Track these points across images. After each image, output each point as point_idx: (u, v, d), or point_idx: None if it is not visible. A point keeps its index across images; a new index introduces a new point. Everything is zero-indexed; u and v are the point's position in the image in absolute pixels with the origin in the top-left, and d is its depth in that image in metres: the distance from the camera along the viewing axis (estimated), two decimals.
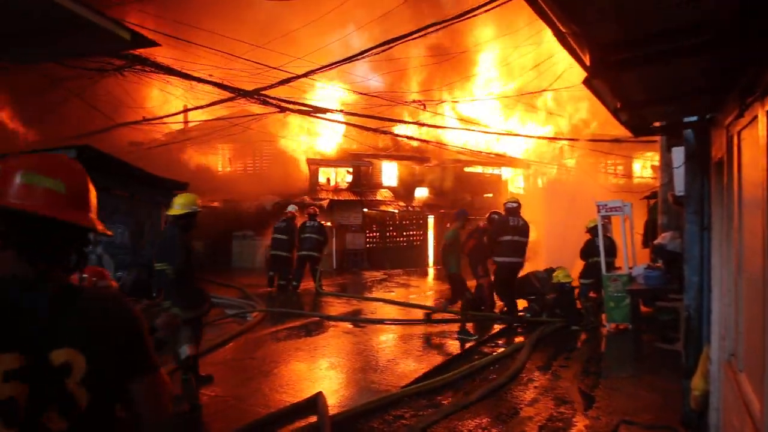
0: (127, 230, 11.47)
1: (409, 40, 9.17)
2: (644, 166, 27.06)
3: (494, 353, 7.65)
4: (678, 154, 5.18)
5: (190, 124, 21.46)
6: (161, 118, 16.97)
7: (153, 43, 4.05)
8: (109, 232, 1.67)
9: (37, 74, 14.87)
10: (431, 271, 19.45)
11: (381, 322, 9.68)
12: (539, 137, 22.51)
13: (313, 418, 4.88)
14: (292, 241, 12.98)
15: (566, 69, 15.08)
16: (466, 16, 7.43)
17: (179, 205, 6.08)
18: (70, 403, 1.31)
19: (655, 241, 9.93)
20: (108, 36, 3.51)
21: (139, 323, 1.50)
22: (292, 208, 13.75)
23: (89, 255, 9.77)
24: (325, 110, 12.76)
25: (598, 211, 9.82)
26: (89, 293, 1.50)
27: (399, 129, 18.56)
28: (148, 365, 1.50)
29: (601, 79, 2.66)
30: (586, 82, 2.78)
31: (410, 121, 15.54)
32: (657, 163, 13.79)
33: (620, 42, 2.16)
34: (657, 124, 5.09)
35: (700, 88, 3.09)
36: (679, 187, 5.39)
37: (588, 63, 2.20)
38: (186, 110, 17.32)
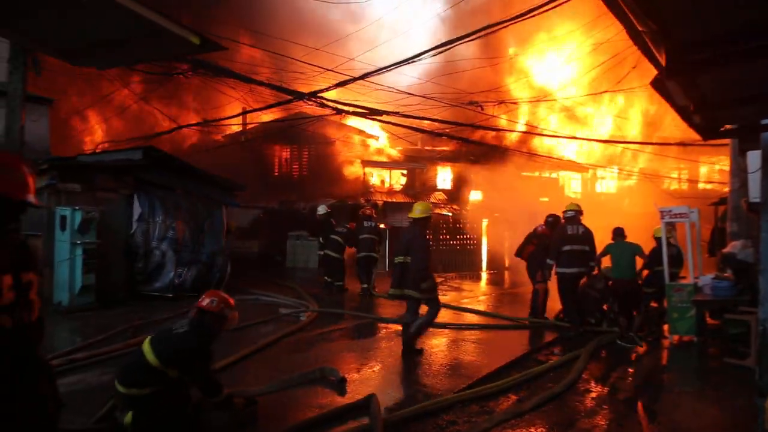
0: (188, 228, 11.85)
1: (466, 41, 9.12)
2: (711, 171, 25.89)
3: (549, 361, 7.45)
4: (754, 158, 4.89)
5: (249, 126, 22.03)
6: (221, 120, 17.52)
7: (220, 47, 4.18)
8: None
9: (107, 78, 15.65)
10: (484, 276, 19.21)
11: (444, 326, 9.56)
12: (600, 140, 21.86)
13: (366, 420, 4.89)
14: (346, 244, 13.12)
15: (629, 71, 14.61)
16: (527, 16, 7.29)
17: (419, 210, 7.59)
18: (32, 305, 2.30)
19: (724, 250, 9.45)
20: (179, 41, 3.65)
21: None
22: (322, 209, 14.03)
23: (154, 251, 10.21)
24: (381, 112, 12.81)
25: (662, 217, 9.42)
26: (30, 242, 2.54)
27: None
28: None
29: (675, 80, 2.53)
30: (657, 83, 2.66)
31: (466, 123, 15.39)
32: (727, 168, 13.13)
33: (699, 41, 2.05)
34: (729, 127, 4.84)
35: None
36: (754, 193, 5.10)
37: (663, 63, 2.10)
38: (245, 112, 17.77)
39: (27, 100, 12.04)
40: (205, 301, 4.72)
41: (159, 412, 4.38)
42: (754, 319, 6.72)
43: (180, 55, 6.81)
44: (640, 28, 1.75)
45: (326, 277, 13.36)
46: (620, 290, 9.05)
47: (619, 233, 9.56)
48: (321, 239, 13.84)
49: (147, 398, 4.37)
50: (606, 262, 9.98)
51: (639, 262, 9.34)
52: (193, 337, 4.54)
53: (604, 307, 9.63)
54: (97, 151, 15.53)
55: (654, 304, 10.02)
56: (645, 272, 9.74)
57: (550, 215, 10.44)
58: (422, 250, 7.29)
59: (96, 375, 6.16)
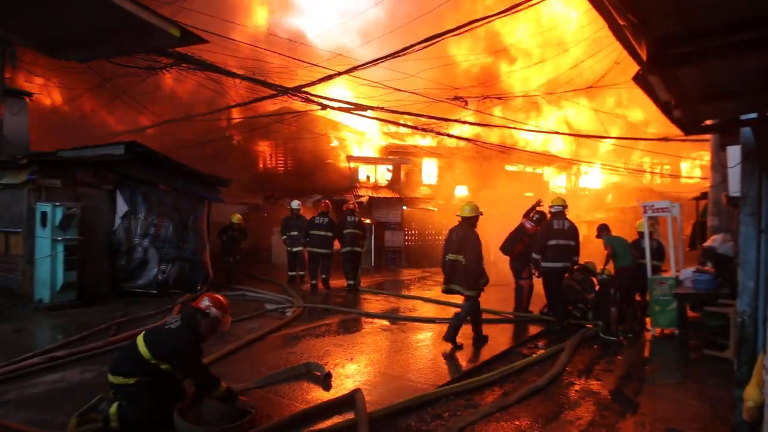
0: (172, 224, 11.73)
1: (451, 36, 9.12)
2: (693, 167, 26.23)
3: (534, 355, 7.51)
4: (733, 153, 4.96)
5: (234, 122, 21.86)
6: (204, 114, 17.34)
7: (201, 40, 4.12)
8: None
9: (91, 72, 15.41)
10: None
11: (432, 321, 9.67)
12: (584, 136, 22.03)
13: (351, 415, 4.89)
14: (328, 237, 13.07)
15: (611, 67, 14.72)
16: (510, 11, 7.31)
17: (468, 209, 8.06)
18: None
19: (705, 244, 9.58)
20: (159, 34, 3.60)
21: None
22: (295, 204, 14.27)
23: (137, 247, 10.12)
24: (365, 107, 12.77)
25: (644, 212, 9.52)
26: None
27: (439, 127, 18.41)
28: None
29: (656, 75, 2.55)
30: (639, 78, 2.68)
31: (451, 119, 15.42)
32: (708, 164, 13.30)
33: (680, 35, 2.06)
34: (710, 122, 4.89)
35: (763, 84, 2.93)
36: (734, 187, 5.17)
37: (644, 58, 2.11)
38: (229, 107, 17.62)
39: (5, 93, 11.89)
40: (203, 303, 4.77)
41: (141, 402, 4.41)
42: (733, 311, 6.82)
43: (161, 48, 6.72)
44: (621, 23, 1.76)
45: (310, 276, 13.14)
46: (627, 277, 9.12)
47: (605, 228, 9.69)
48: (287, 234, 14.10)
49: (131, 388, 4.44)
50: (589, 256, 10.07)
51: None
52: (185, 334, 4.62)
53: (588, 297, 9.72)
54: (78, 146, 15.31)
55: (638, 298, 10.13)
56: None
57: (537, 212, 10.50)
58: (476, 249, 7.71)
59: (77, 373, 6.08)
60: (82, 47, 4.09)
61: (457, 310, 8.21)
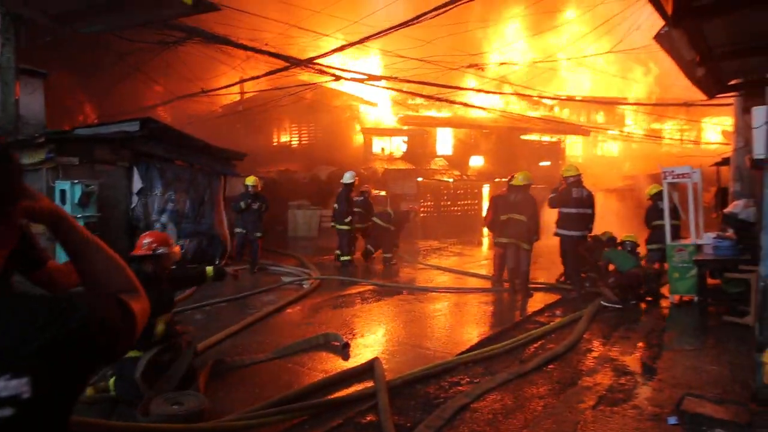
0: (189, 199, 11.81)
1: (463, 3, 8.91)
2: (714, 134, 25.69)
3: (552, 323, 7.51)
4: (759, 113, 4.81)
5: (246, 95, 21.77)
6: (218, 89, 17.29)
7: (214, 7, 4.07)
8: None
9: (101, 49, 15.40)
10: (486, 241, 19.25)
11: (447, 290, 9.79)
12: (600, 101, 21.61)
13: (370, 383, 4.95)
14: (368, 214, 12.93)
15: (630, 30, 14.35)
16: None
17: (521, 178, 9.29)
18: None
19: (726, 210, 9.41)
20: (170, 3, 3.55)
21: None
22: (350, 177, 12.59)
23: (154, 224, 10.20)
24: (379, 77, 12.62)
25: (664, 178, 9.35)
26: None
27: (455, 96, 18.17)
28: None
29: (681, 29, 2.46)
30: (662, 35, 2.59)
31: (466, 87, 15.20)
32: (730, 128, 12.98)
33: None
34: (734, 81, 4.75)
35: None
36: (759, 149, 5.02)
37: (670, 11, 2.03)
38: (242, 81, 17.54)
39: (21, 72, 11.93)
40: (137, 249, 4.78)
41: (126, 377, 4.41)
42: (754, 277, 6.73)
43: (173, 17, 6.66)
44: None
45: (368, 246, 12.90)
46: (626, 279, 8.97)
47: (611, 241, 9.93)
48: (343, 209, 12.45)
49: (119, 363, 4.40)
50: None
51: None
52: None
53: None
54: (92, 124, 15.40)
55: (656, 266, 10.01)
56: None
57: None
58: (534, 212, 9.15)
59: None
60: (93, 19, 4.06)
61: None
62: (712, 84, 4.12)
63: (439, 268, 12.32)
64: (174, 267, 5.05)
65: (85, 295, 1.32)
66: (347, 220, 12.12)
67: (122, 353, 1.30)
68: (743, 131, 8.41)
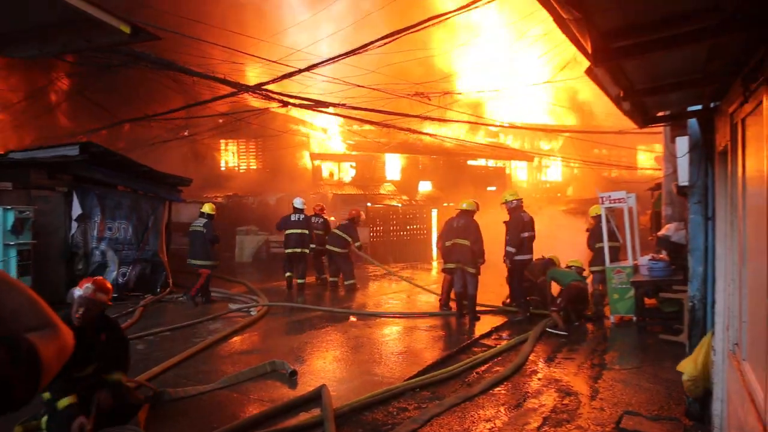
0: (131, 226, 11.48)
1: (410, 32, 9.14)
2: (649, 158, 26.99)
3: (498, 346, 7.64)
4: (682, 143, 5.15)
5: (192, 120, 21.42)
6: (163, 114, 16.95)
7: (154, 37, 4.03)
8: None
9: (39, 71, 14.91)
10: (435, 265, 19.45)
11: (402, 315, 9.91)
12: (541, 129, 22.43)
13: (317, 411, 4.90)
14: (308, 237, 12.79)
15: (569, 60, 15.01)
16: (469, 8, 7.39)
17: (466, 204, 9.62)
18: None
19: (659, 233, 9.89)
20: (108, 30, 3.50)
21: None
22: (299, 203, 12.80)
23: (94, 251, 9.67)
24: (327, 104, 12.72)
25: (601, 203, 9.78)
26: None
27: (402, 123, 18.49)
28: None
29: (603, 68, 2.64)
30: (589, 71, 2.76)
31: (413, 114, 15.48)
32: (660, 154, 13.73)
33: (622, 29, 2.14)
34: (660, 114, 5.06)
35: (704, 76, 3.06)
36: (683, 177, 5.36)
37: (590, 50, 2.18)
38: (187, 106, 17.27)
39: None
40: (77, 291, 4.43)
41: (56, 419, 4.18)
42: (685, 296, 7.07)
43: (112, 46, 6.53)
44: (564, 16, 1.82)
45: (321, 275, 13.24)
46: (573, 291, 9.19)
47: (551, 263, 10.06)
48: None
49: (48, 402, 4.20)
50: None
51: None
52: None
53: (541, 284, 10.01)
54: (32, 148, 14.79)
55: (600, 287, 10.33)
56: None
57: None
58: (478, 235, 9.29)
59: None
60: (24, 44, 3.94)
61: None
62: (638, 116, 4.39)
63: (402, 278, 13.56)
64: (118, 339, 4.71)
65: None
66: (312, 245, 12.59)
67: (23, 401, 1.11)
68: (671, 159, 8.92)
